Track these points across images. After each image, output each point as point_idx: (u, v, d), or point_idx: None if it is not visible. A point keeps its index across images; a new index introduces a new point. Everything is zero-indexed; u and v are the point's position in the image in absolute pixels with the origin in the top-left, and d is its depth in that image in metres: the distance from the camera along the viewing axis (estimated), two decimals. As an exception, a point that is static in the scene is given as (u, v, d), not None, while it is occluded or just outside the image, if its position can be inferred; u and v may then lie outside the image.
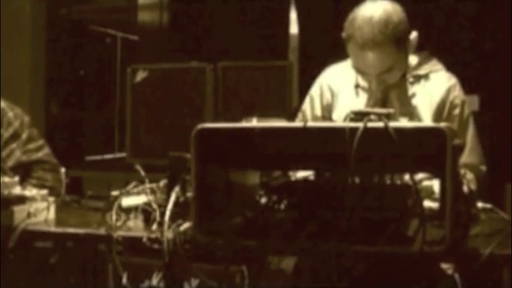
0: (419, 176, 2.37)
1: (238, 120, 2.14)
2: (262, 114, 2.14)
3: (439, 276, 2.45)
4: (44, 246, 2.75)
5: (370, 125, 1.92)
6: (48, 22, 6.64)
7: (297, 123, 2.14)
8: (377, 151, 2.00)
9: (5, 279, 2.69)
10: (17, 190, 2.55)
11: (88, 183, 4.73)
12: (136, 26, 6.69)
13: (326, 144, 2.09)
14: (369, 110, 2.01)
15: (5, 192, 2.50)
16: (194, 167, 2.06)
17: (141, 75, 3.39)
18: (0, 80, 5.30)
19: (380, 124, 1.91)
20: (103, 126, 7.06)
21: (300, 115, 2.94)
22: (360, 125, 1.91)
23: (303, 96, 3.05)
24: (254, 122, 2.09)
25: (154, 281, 2.57)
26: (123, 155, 3.92)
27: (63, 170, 3.36)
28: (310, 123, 2.02)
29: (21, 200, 2.48)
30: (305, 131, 1.99)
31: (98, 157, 6.43)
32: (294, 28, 5.61)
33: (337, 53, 2.83)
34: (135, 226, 2.34)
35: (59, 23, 6.91)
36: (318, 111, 2.90)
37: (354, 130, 1.91)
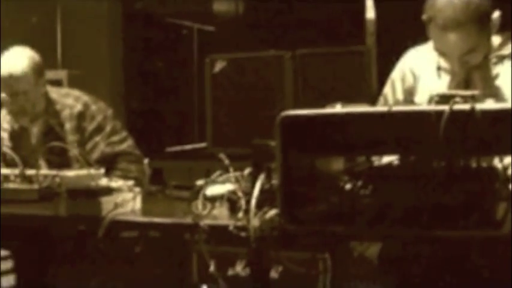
0: (507, 159, 2.33)
1: (319, 106, 2.13)
2: (342, 100, 2.13)
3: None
4: (129, 236, 2.79)
5: (456, 107, 1.89)
6: (124, 16, 6.74)
7: (382, 108, 2.12)
8: (462, 134, 1.97)
9: (94, 269, 2.74)
10: (104, 181, 2.60)
11: (169, 173, 4.79)
12: (212, 17, 6.72)
13: (411, 128, 2.06)
14: (454, 92, 1.99)
15: (92, 184, 2.55)
16: (279, 155, 2.06)
17: (219, 65, 3.39)
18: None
19: (466, 106, 1.88)
20: (182, 117, 7.12)
21: (381, 99, 2.92)
22: (446, 107, 1.89)
23: (381, 81, 3.02)
24: (338, 108, 2.08)
25: (239, 268, 2.59)
26: (202, 145, 3.94)
27: (146, 161, 3.41)
28: (395, 107, 2.00)
29: (108, 191, 2.53)
30: (390, 115, 1.97)
31: (178, 148, 6.49)
32: (370, 13, 5.54)
33: (416, 37, 2.80)
34: (221, 215, 2.36)
35: (135, 16, 7.00)
36: (400, 95, 2.87)
37: (439, 113, 1.88)
